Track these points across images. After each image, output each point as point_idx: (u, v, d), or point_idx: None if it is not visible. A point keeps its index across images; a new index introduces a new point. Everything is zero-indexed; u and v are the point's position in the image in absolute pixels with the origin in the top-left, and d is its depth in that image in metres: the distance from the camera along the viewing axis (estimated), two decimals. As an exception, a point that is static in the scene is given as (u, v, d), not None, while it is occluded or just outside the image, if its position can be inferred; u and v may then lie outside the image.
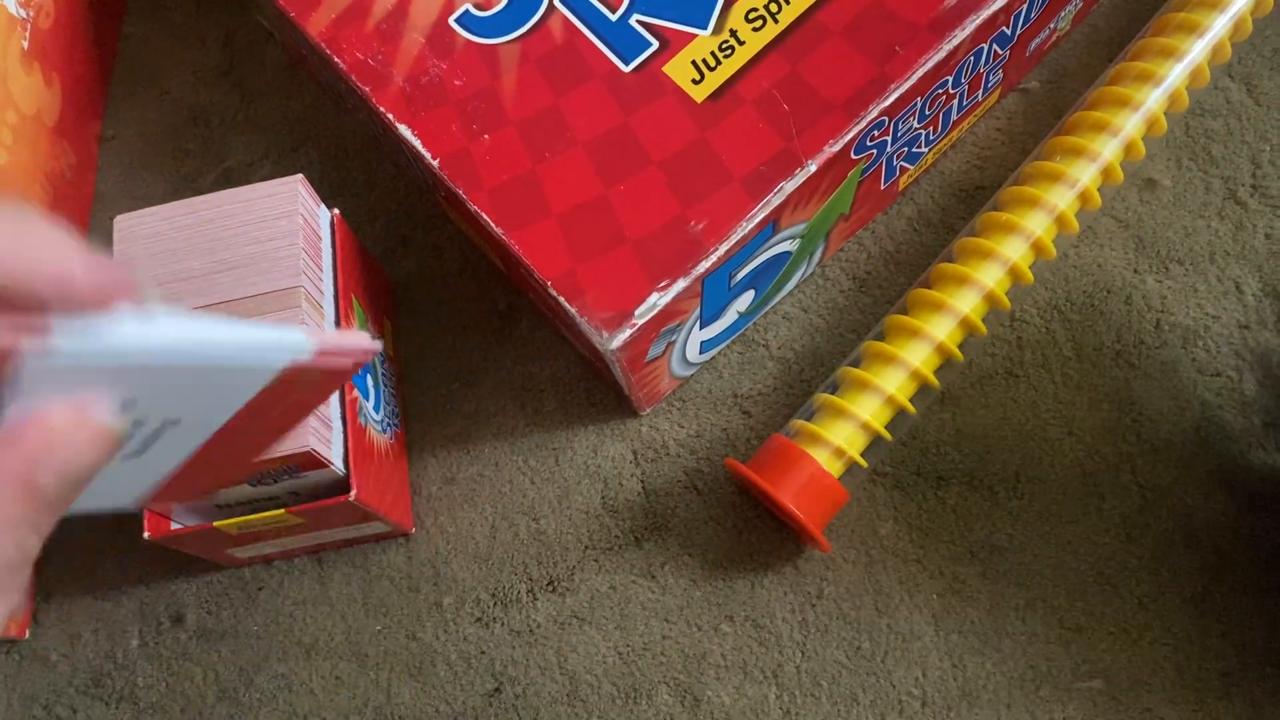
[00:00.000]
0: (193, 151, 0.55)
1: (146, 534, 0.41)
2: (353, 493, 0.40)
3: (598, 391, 0.48)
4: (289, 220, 0.41)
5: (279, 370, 0.23)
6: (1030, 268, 0.44)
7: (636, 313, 0.39)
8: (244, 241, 0.41)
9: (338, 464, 0.40)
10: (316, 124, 0.55)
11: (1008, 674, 0.42)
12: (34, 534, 0.21)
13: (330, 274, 0.43)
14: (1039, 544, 0.44)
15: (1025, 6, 0.44)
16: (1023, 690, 0.42)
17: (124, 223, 0.42)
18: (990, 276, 0.43)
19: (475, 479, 0.48)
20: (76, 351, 0.20)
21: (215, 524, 0.41)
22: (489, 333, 0.50)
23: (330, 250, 0.44)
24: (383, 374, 0.47)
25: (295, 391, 0.25)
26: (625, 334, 0.39)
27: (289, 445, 0.38)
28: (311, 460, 0.39)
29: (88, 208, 0.55)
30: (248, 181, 0.54)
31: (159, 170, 0.55)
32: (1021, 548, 0.44)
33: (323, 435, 0.39)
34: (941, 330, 0.43)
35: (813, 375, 0.47)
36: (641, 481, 0.47)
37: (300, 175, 0.42)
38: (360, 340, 0.25)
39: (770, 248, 0.43)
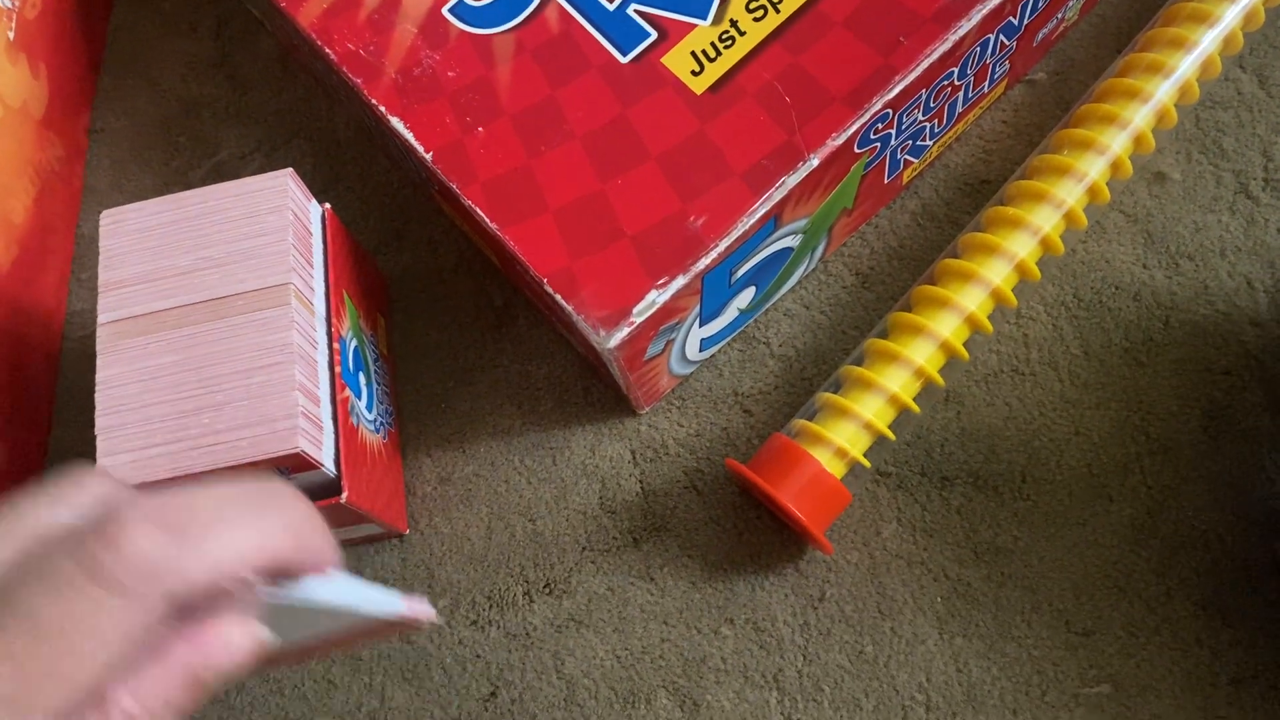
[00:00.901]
0: (183, 144, 0.54)
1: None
2: (344, 494, 0.40)
3: (595, 390, 0.47)
4: (278, 215, 0.40)
5: (376, 619, 0.30)
6: (1037, 263, 0.43)
7: (635, 310, 0.38)
8: (232, 237, 0.40)
9: (328, 465, 0.39)
10: (309, 116, 0.54)
11: (1013, 679, 0.41)
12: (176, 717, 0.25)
13: (321, 270, 0.42)
14: (1045, 546, 0.43)
15: (1033, -4, 0.43)
16: (1029, 695, 0.41)
17: (110, 218, 0.41)
18: (996, 273, 0.42)
19: (471, 479, 0.47)
20: (287, 596, 0.26)
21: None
22: (485, 330, 0.49)
23: (321, 246, 0.43)
24: (375, 372, 0.46)
25: (368, 630, 0.31)
26: (623, 332, 0.38)
27: (277, 446, 0.37)
28: (301, 462, 0.38)
29: (76, 201, 0.54)
30: (239, 175, 0.53)
31: (149, 163, 0.54)
32: (1027, 550, 0.43)
33: (313, 436, 0.38)
34: (946, 327, 0.42)
35: (815, 373, 0.46)
36: (640, 481, 0.46)
37: (290, 169, 0.41)
38: (428, 612, 0.31)
39: (772, 243, 0.42)
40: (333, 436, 0.40)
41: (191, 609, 0.24)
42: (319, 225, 0.43)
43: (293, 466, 0.38)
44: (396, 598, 0.30)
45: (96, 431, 0.38)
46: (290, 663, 0.33)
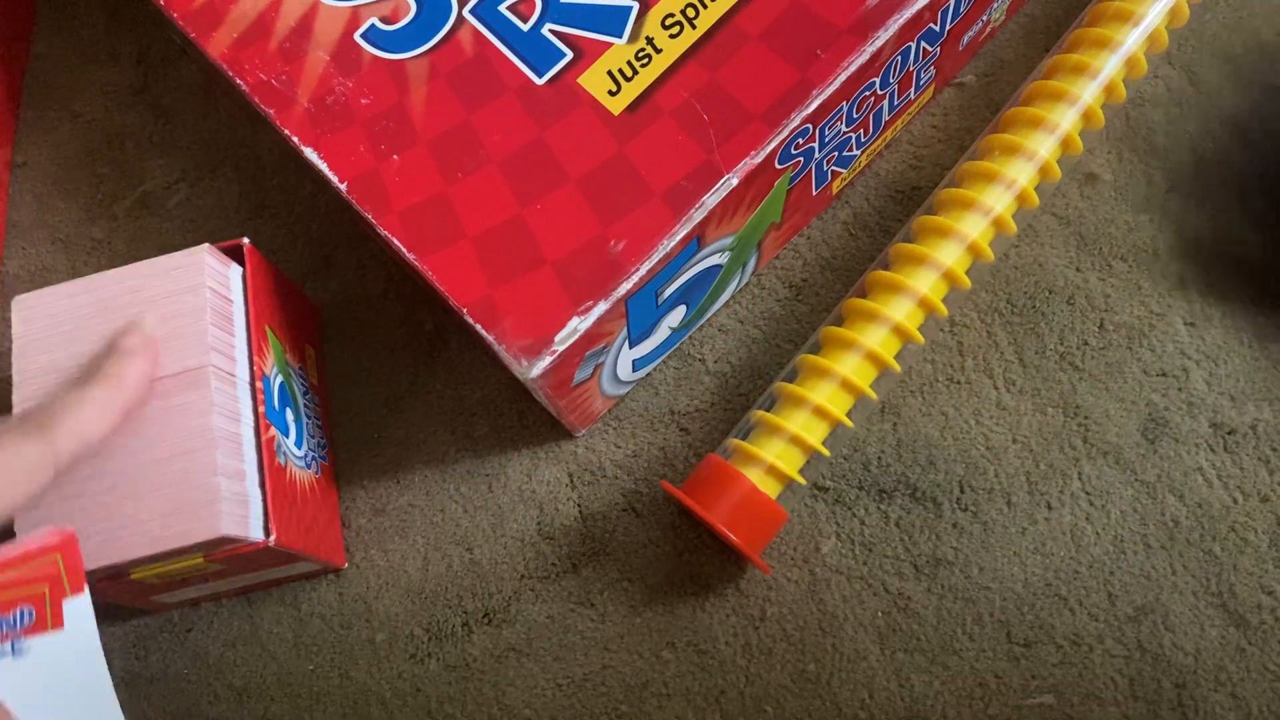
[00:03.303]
0: (108, 176, 0.53)
1: None
2: (272, 537, 0.39)
3: (531, 414, 0.47)
4: (195, 295, 0.39)
5: None
6: (968, 271, 0.43)
7: (557, 339, 0.38)
8: (148, 320, 0.39)
9: (256, 534, 0.38)
10: (234, 142, 0.53)
11: (956, 692, 0.41)
12: None
13: (242, 322, 0.41)
14: (985, 556, 0.42)
15: (953, 2, 0.42)
16: (971, 708, 0.41)
17: (23, 303, 0.40)
18: (925, 283, 0.42)
19: (406, 509, 0.46)
20: None
21: (132, 575, 0.40)
22: (417, 355, 0.48)
23: (243, 308, 0.41)
24: (305, 405, 0.45)
25: None
26: (545, 361, 0.38)
27: (202, 533, 0.36)
28: (227, 542, 0.37)
29: (-1, 238, 0.53)
30: (165, 205, 0.52)
31: (73, 196, 0.53)
32: (967, 561, 0.42)
33: (238, 515, 0.37)
34: (876, 340, 0.42)
35: (751, 389, 0.46)
36: (578, 505, 0.45)
37: (207, 245, 0.40)
38: None
39: (697, 262, 0.41)
40: (260, 505, 0.39)
41: None
42: (239, 290, 0.42)
43: (218, 545, 0.38)
44: None
45: (16, 528, 0.37)
46: None
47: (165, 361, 0.38)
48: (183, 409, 0.38)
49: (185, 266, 0.39)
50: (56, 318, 0.39)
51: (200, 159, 0.53)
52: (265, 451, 0.40)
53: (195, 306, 0.39)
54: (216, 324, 0.39)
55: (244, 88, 0.43)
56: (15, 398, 0.38)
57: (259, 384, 0.40)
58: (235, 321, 0.40)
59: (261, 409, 0.40)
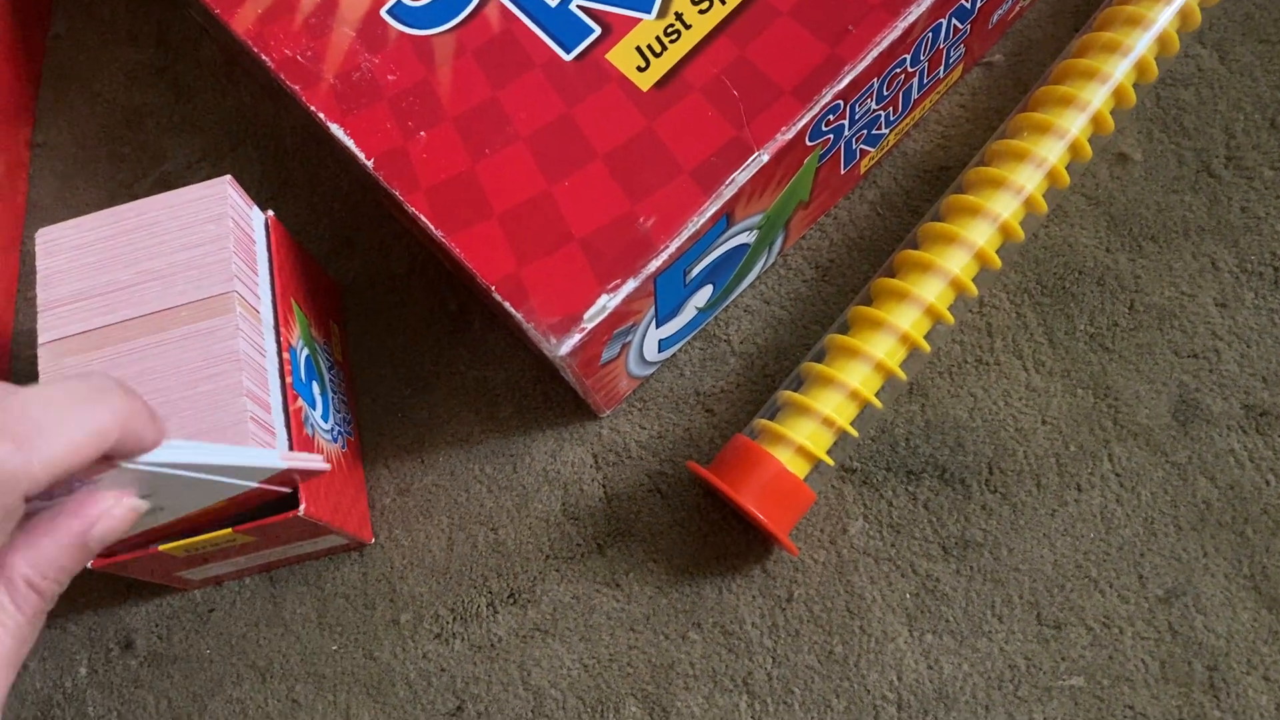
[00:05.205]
0: (128, 156, 0.53)
1: (89, 563, 0.40)
2: (301, 507, 0.39)
3: (555, 394, 0.46)
4: (218, 224, 0.40)
5: (249, 487, 0.32)
6: (998, 251, 0.42)
7: (585, 316, 0.38)
8: (172, 249, 0.40)
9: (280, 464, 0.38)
10: (255, 121, 0.53)
11: (985, 674, 0.41)
12: (68, 581, 0.28)
13: (267, 278, 0.41)
14: (1014, 538, 0.42)
15: (985, -22, 0.42)
16: (1001, 690, 0.40)
17: (46, 236, 0.40)
18: (956, 262, 0.42)
19: (430, 489, 0.46)
20: (143, 464, 0.28)
21: (161, 547, 0.40)
22: (441, 335, 0.48)
23: (265, 253, 0.42)
24: (331, 380, 0.45)
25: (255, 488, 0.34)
26: (574, 339, 0.38)
27: None
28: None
29: (20, 218, 0.53)
30: (186, 185, 0.52)
31: (94, 176, 0.53)
32: (996, 543, 0.42)
33: (263, 440, 0.38)
34: (906, 320, 0.41)
35: (776, 370, 0.45)
36: (603, 486, 0.45)
37: (228, 176, 0.40)
38: (315, 461, 0.34)
39: (725, 241, 0.41)
40: (286, 445, 0.39)
41: (66, 486, 0.28)
42: (262, 232, 0.42)
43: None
44: (272, 454, 0.32)
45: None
46: (183, 526, 0.36)
47: (188, 290, 0.39)
48: (207, 334, 0.38)
49: (207, 197, 0.40)
50: (79, 249, 0.40)
51: (221, 138, 0.52)
52: (293, 421, 0.40)
53: (218, 235, 0.39)
54: (240, 256, 0.39)
55: (269, 64, 0.42)
56: (40, 324, 0.39)
57: (285, 355, 0.40)
58: (259, 260, 0.41)
59: (289, 379, 0.40)
